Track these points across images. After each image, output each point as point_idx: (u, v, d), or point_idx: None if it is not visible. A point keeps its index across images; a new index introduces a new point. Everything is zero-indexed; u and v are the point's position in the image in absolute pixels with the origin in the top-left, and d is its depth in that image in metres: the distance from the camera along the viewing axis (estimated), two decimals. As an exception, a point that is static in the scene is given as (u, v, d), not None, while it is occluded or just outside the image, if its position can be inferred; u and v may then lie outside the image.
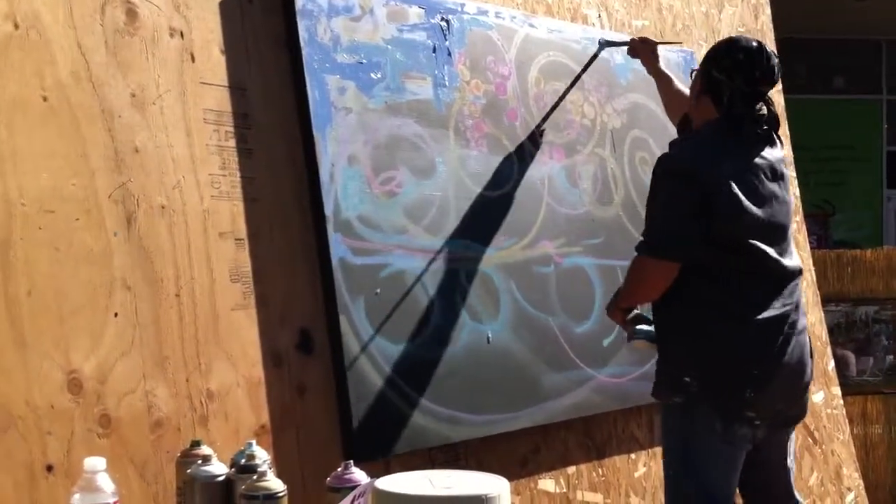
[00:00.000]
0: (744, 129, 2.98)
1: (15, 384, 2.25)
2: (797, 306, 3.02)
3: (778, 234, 3.00)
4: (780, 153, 3.07)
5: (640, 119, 4.04)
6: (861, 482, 4.82)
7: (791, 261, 3.02)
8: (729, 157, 2.95)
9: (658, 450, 3.84)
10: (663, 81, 3.69)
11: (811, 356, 3.06)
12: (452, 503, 1.93)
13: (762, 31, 5.04)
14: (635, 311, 3.15)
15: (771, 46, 5.01)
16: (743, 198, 2.90)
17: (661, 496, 3.80)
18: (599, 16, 4.09)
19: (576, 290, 3.63)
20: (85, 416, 2.35)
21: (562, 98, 3.74)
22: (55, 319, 2.35)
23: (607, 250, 3.77)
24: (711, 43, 4.60)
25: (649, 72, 3.77)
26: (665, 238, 2.94)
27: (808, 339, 3.05)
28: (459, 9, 3.41)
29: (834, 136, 11.76)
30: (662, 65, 3.74)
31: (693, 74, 3.21)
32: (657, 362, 3.06)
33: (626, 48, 3.86)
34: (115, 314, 2.45)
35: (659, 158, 3.07)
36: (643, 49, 3.77)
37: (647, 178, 3.96)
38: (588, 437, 3.62)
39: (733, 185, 2.90)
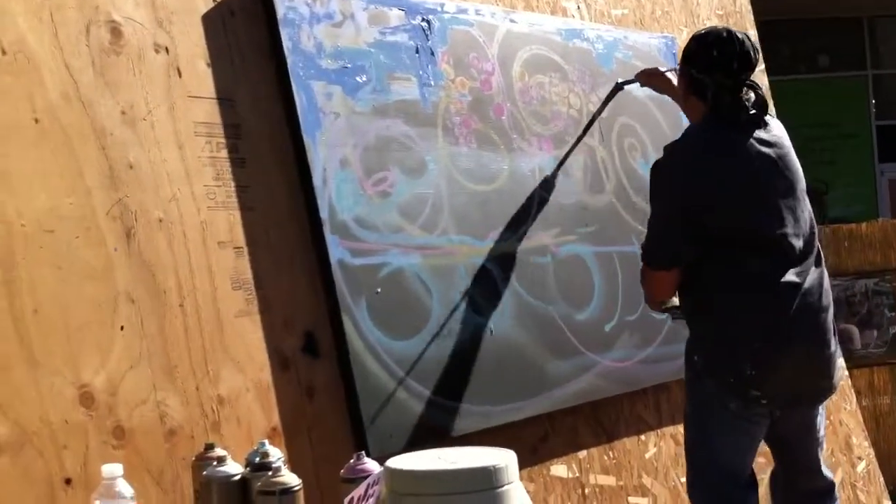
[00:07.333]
0: (733, 120, 3.05)
1: (28, 401, 2.29)
2: (810, 282, 3.01)
3: (779, 214, 3.02)
4: (774, 134, 3.11)
5: (627, 106, 4.08)
6: (871, 450, 4.86)
7: (798, 239, 3.03)
8: (715, 152, 3.03)
9: (667, 430, 3.89)
10: None
11: (834, 335, 3.07)
12: (462, 476, 1.99)
13: (741, 13, 5.09)
14: (671, 302, 3.29)
15: (750, 29, 5.08)
16: (734, 191, 2.98)
17: (673, 475, 3.84)
18: (578, 7, 4.14)
19: (574, 278, 3.67)
20: (99, 428, 2.39)
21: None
22: (63, 336, 2.38)
23: (602, 237, 3.81)
24: (692, 28, 4.66)
25: (671, 96, 3.59)
26: (657, 249, 3.09)
27: (828, 318, 3.05)
28: (439, 8, 3.46)
29: (822, 115, 11.83)
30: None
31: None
32: None
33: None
34: (122, 327, 2.49)
35: (651, 166, 3.20)
36: (651, 80, 3.67)
37: (636, 165, 4.03)
38: (596, 422, 3.66)
39: (721, 184, 2.99)
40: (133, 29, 2.67)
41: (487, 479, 2.00)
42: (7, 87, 2.40)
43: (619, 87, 3.85)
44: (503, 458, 2.04)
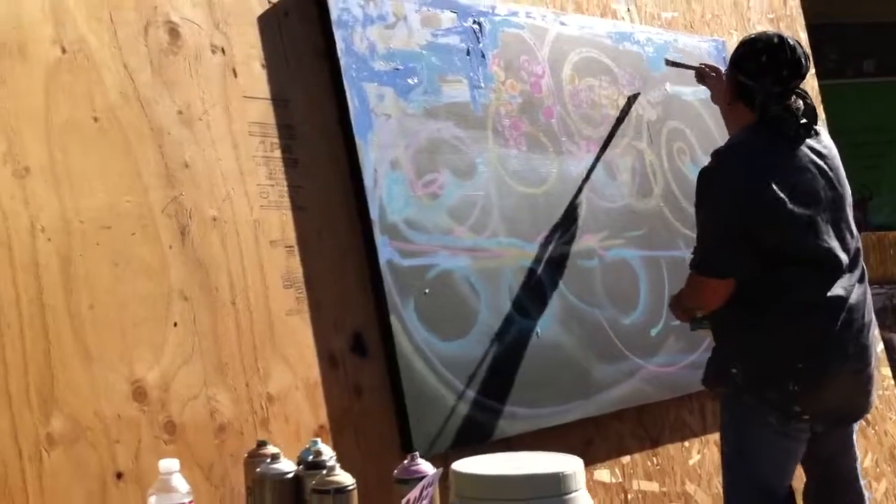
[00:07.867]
0: (782, 128, 2.97)
1: (82, 396, 2.33)
2: (855, 298, 2.95)
3: (829, 228, 2.97)
4: (825, 144, 3.05)
5: (676, 110, 4.07)
6: (917, 461, 4.81)
7: (846, 254, 2.97)
8: (767, 161, 2.95)
9: (711, 436, 3.87)
10: None
11: (874, 351, 3.01)
12: (532, 482, 1.98)
13: (792, 16, 5.05)
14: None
15: (801, 33, 5.04)
16: (786, 202, 2.89)
17: (716, 482, 3.82)
18: (628, 9, 4.13)
19: (621, 281, 3.66)
20: (151, 423, 2.42)
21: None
22: (118, 332, 2.42)
23: (650, 241, 3.80)
24: (742, 32, 4.64)
25: (715, 95, 3.39)
26: (711, 257, 2.98)
27: (871, 334, 3.00)
28: (491, 11, 3.47)
29: (868, 120, 11.68)
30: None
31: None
32: (711, 353, 3.12)
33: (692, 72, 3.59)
34: (175, 324, 2.52)
35: (700, 172, 3.08)
36: (711, 76, 3.43)
37: (685, 169, 4.02)
38: (641, 427, 3.65)
39: (773, 193, 2.89)
40: (190, 30, 2.70)
41: (556, 486, 2.00)
42: (67, 85, 2.44)
43: (667, 63, 3.86)
44: (571, 465, 2.02)
